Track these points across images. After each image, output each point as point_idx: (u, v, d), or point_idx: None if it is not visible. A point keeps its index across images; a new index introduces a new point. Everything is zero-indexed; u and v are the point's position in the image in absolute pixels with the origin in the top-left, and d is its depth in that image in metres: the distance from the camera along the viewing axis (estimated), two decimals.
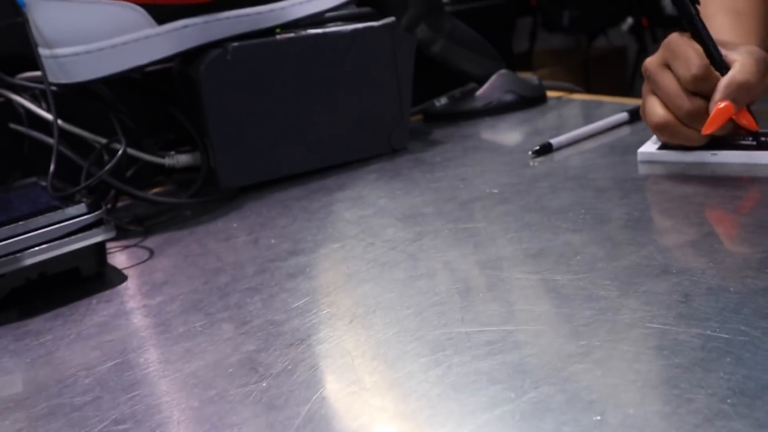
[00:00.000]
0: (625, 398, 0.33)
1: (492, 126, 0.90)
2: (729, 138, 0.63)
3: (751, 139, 0.62)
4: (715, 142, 0.62)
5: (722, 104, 0.59)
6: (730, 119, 0.60)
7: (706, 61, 0.60)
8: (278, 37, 0.75)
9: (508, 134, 0.87)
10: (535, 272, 0.47)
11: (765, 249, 0.45)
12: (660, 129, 0.63)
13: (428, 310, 0.44)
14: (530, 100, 0.95)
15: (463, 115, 0.94)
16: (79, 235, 0.56)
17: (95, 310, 0.52)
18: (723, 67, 0.60)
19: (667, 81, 0.61)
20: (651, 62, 0.63)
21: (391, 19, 0.80)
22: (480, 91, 0.94)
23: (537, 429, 0.32)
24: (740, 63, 0.60)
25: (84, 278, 0.57)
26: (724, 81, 0.59)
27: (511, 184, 0.64)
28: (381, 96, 0.80)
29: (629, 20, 2.80)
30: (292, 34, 0.76)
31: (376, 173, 0.75)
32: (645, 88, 0.65)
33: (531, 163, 0.70)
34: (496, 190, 0.63)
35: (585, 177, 0.65)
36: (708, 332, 0.37)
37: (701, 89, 0.60)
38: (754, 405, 0.31)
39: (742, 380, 0.33)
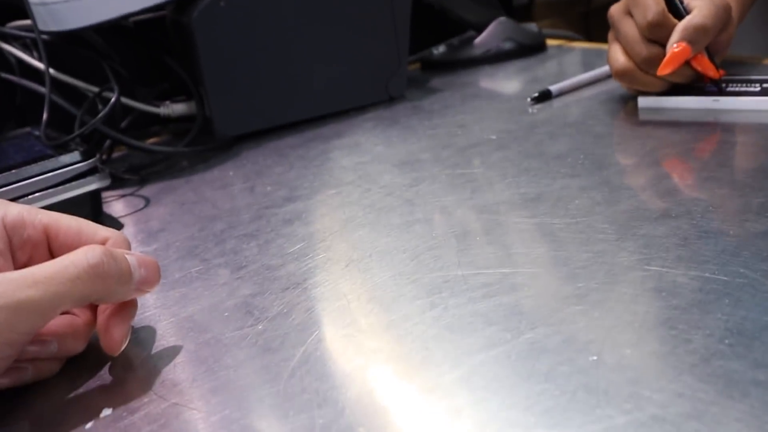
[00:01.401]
0: (622, 339, 0.33)
1: (490, 74, 0.88)
2: (693, 86, 0.63)
3: (714, 87, 0.62)
4: (679, 90, 0.63)
5: (677, 46, 0.59)
6: (690, 66, 0.61)
7: (662, 7, 0.60)
8: None
9: (507, 82, 0.86)
10: (532, 216, 0.46)
11: (765, 193, 0.45)
12: (620, 75, 0.64)
13: (425, 253, 0.44)
14: (529, 48, 0.94)
15: (462, 63, 0.93)
16: (74, 183, 0.56)
17: None
18: (682, 13, 0.60)
19: (627, 28, 0.62)
20: (615, 9, 0.64)
21: None
22: (478, 39, 0.93)
23: (532, 369, 0.32)
24: (699, 8, 0.60)
25: None
26: (680, 24, 0.59)
27: (509, 131, 0.64)
28: (378, 44, 0.79)
29: None
30: None
31: (373, 121, 0.74)
32: (610, 35, 0.65)
33: (530, 110, 0.70)
34: (494, 137, 0.63)
35: (584, 123, 0.65)
36: (707, 274, 0.37)
37: (657, 36, 0.60)
38: (752, 345, 0.31)
39: (740, 321, 0.33)
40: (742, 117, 0.59)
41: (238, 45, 0.72)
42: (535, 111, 0.69)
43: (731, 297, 0.35)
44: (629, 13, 0.62)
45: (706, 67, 0.61)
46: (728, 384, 0.29)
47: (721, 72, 0.63)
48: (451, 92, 0.81)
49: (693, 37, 0.59)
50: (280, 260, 0.46)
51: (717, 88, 0.62)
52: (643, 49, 0.61)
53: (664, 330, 0.33)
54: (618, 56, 0.63)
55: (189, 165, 0.70)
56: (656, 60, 0.60)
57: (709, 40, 0.60)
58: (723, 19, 0.61)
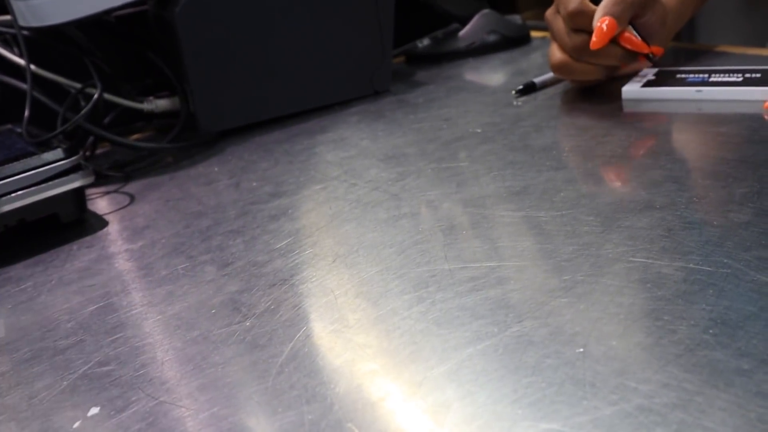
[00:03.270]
0: (608, 331, 0.33)
1: (475, 67, 0.88)
2: (676, 77, 0.64)
3: (652, 67, 0.66)
4: (662, 81, 0.64)
5: (601, 21, 0.61)
6: (620, 45, 0.63)
7: None
8: None
9: (492, 74, 0.86)
10: (518, 209, 0.47)
11: (748, 184, 0.45)
12: (557, 69, 0.67)
13: (411, 248, 0.44)
14: (514, 40, 0.94)
15: (446, 55, 0.93)
16: (57, 180, 0.55)
17: (76, 256, 0.52)
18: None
19: (558, 24, 0.65)
20: (549, 11, 0.67)
21: None
22: (463, 32, 0.93)
23: (520, 362, 0.32)
24: None
25: (64, 224, 0.56)
26: (601, 5, 0.62)
27: (494, 124, 0.64)
28: (362, 37, 0.79)
29: None
30: None
31: (358, 115, 0.74)
32: (549, 36, 0.68)
33: (514, 103, 0.70)
34: (479, 130, 0.63)
35: (569, 115, 0.65)
36: (691, 265, 0.37)
37: (580, 24, 0.63)
38: (735, 335, 0.31)
39: (723, 311, 0.33)
40: (724, 107, 0.59)
41: (221, 40, 0.72)
42: (519, 103, 0.69)
43: (715, 287, 0.35)
44: (558, 11, 0.65)
45: (635, 44, 0.64)
46: (713, 374, 0.29)
47: (658, 49, 0.65)
48: (435, 85, 0.81)
49: (613, 10, 0.61)
50: (267, 256, 0.46)
51: (653, 62, 0.66)
52: (570, 39, 0.64)
53: (649, 321, 0.33)
54: (554, 51, 0.66)
55: (173, 161, 0.70)
56: (583, 46, 0.63)
57: (631, 12, 0.62)
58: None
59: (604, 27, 0.61)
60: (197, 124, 0.73)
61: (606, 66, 0.66)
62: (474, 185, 0.52)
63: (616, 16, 0.61)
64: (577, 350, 0.32)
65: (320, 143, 0.67)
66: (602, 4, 0.62)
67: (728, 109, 0.59)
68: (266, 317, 0.39)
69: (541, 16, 1.23)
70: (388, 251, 0.44)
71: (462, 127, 0.64)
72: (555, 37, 0.66)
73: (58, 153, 0.55)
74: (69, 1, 0.66)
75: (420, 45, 0.95)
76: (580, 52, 0.64)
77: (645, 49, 0.64)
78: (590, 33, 0.62)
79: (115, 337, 0.40)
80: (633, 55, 0.65)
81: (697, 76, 0.64)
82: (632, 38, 0.63)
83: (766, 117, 0.56)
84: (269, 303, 0.41)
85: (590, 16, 0.62)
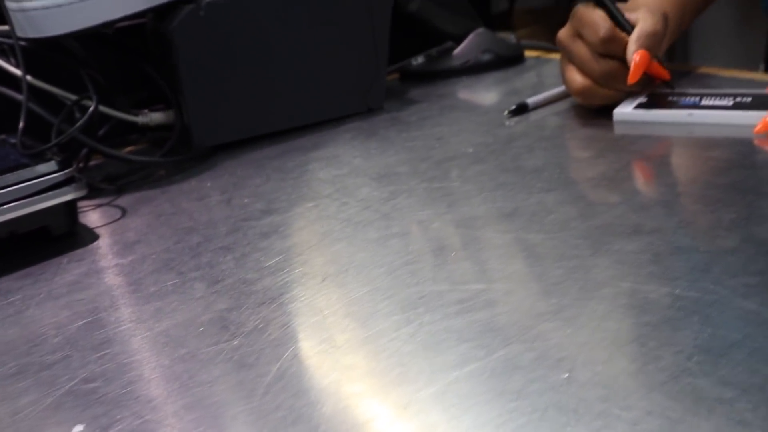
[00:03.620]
0: (594, 356, 0.33)
1: (469, 85, 0.89)
2: (667, 99, 0.66)
3: (666, 87, 0.67)
4: (654, 103, 0.65)
5: (638, 55, 0.62)
6: (645, 72, 0.64)
7: (611, 23, 0.64)
8: None
9: (485, 94, 0.87)
10: (508, 231, 0.47)
11: (737, 209, 0.45)
12: (579, 94, 0.67)
13: (401, 269, 0.44)
14: (508, 60, 0.95)
15: (440, 74, 0.93)
16: (50, 193, 0.55)
17: (66, 269, 0.52)
18: (627, 27, 0.64)
19: (579, 49, 0.65)
20: (563, 34, 0.67)
21: None
22: (457, 50, 0.93)
23: (505, 386, 0.32)
24: (643, 19, 0.64)
25: (55, 237, 0.56)
26: (634, 35, 0.63)
27: (487, 144, 0.64)
28: (357, 55, 0.79)
29: None
30: None
31: (351, 132, 0.74)
32: (562, 58, 0.69)
33: (507, 123, 0.70)
34: (471, 150, 0.63)
35: (560, 137, 0.65)
36: (677, 291, 0.37)
37: (610, 50, 0.64)
38: (719, 363, 0.31)
39: (708, 339, 0.33)
40: (715, 131, 0.60)
41: (217, 55, 0.72)
42: (512, 124, 0.70)
43: (701, 314, 0.35)
44: (577, 35, 0.66)
45: (659, 71, 0.66)
46: (696, 401, 0.29)
47: (668, 72, 0.67)
48: (429, 104, 0.81)
49: (649, 43, 0.63)
50: (257, 274, 0.46)
51: (670, 87, 0.67)
52: (598, 66, 0.64)
53: (635, 347, 0.34)
54: (575, 77, 0.66)
55: (166, 175, 0.70)
56: (612, 73, 0.64)
57: (661, 44, 0.65)
58: (665, 26, 0.65)
59: (638, 59, 0.62)
60: (191, 138, 0.73)
61: (628, 91, 0.67)
62: (465, 206, 0.52)
63: (650, 49, 0.63)
64: (562, 375, 0.32)
65: (313, 160, 0.68)
66: (636, 36, 0.63)
67: (719, 132, 0.60)
68: (254, 336, 0.39)
69: (535, 35, 1.23)
70: (377, 271, 0.44)
71: (454, 147, 0.65)
72: (575, 62, 0.66)
73: (51, 165, 0.55)
74: (67, 13, 0.66)
75: (414, 63, 0.95)
76: (608, 79, 0.65)
77: (667, 77, 0.66)
78: (620, 59, 0.64)
79: (102, 353, 0.40)
80: (653, 80, 0.67)
81: (688, 99, 0.64)
82: (660, 68, 0.66)
83: (756, 142, 0.56)
84: (258, 322, 0.41)
85: (621, 43, 0.63)
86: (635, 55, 0.62)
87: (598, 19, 0.64)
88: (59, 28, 0.66)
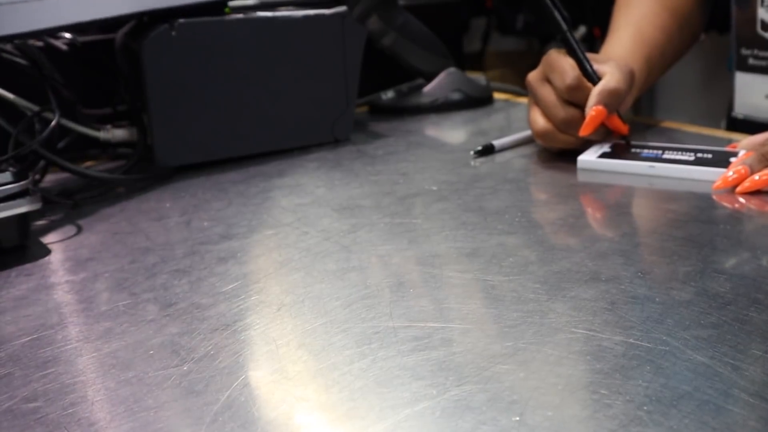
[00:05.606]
0: (545, 401, 0.33)
1: (437, 123, 0.90)
2: (630, 151, 0.67)
3: (622, 140, 0.69)
4: (617, 154, 0.67)
5: (594, 110, 0.65)
6: (603, 125, 0.67)
7: (578, 72, 0.66)
8: (227, 17, 0.73)
9: (452, 132, 0.88)
10: (467, 271, 0.47)
11: (692, 262, 0.46)
12: (540, 136, 0.69)
13: (357, 302, 0.44)
14: (477, 100, 0.96)
15: (409, 110, 0.94)
16: (2, 204, 0.54)
17: (13, 284, 0.50)
18: (594, 78, 0.67)
19: (545, 93, 0.67)
20: (532, 76, 0.69)
21: (342, 9, 0.79)
22: (427, 88, 0.94)
23: (456, 427, 0.32)
24: (610, 74, 0.66)
25: (4, 250, 0.55)
26: (596, 89, 0.65)
27: (451, 183, 0.64)
28: (327, 85, 0.79)
29: (582, 29, 2.84)
30: (241, 15, 0.74)
31: (316, 162, 0.74)
32: (529, 99, 0.71)
33: (472, 163, 0.71)
34: (435, 188, 0.63)
35: (524, 180, 0.66)
36: (631, 340, 0.38)
37: (575, 98, 0.66)
38: (669, 413, 0.32)
39: (659, 389, 0.33)
40: (675, 184, 0.61)
41: (186, 75, 0.72)
42: (477, 164, 0.70)
43: (653, 364, 0.35)
44: (546, 80, 0.68)
45: (616, 125, 0.68)
46: None
47: (626, 126, 0.69)
48: (396, 138, 0.82)
49: (608, 100, 0.65)
50: (212, 299, 0.46)
51: (625, 141, 0.69)
52: (561, 112, 0.66)
53: (586, 394, 0.34)
54: (538, 119, 0.68)
55: (125, 193, 0.69)
56: (573, 121, 0.66)
57: (621, 102, 0.67)
58: (630, 83, 0.68)
59: (593, 114, 0.65)
60: (154, 157, 0.73)
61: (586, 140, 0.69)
62: (425, 243, 0.52)
63: (608, 106, 0.65)
64: (513, 418, 0.32)
65: (276, 187, 0.67)
66: (598, 92, 0.65)
67: (679, 186, 0.61)
68: (205, 362, 0.38)
69: (506, 78, 1.25)
70: (334, 304, 0.44)
71: (418, 183, 0.65)
72: (540, 104, 0.68)
73: (6, 176, 0.54)
74: (30, 12, 0.65)
75: (384, 97, 0.96)
76: (568, 126, 0.66)
77: (625, 131, 0.69)
78: (582, 107, 0.66)
79: (46, 372, 0.39)
80: (611, 133, 0.69)
81: (651, 151, 0.66)
82: (616, 120, 0.68)
83: (714, 197, 0.58)
84: (209, 348, 0.40)
85: (586, 92, 0.65)
86: (592, 110, 0.64)
87: (566, 66, 0.66)
88: (20, 26, 0.65)
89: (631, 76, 0.68)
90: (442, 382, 0.35)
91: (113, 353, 0.40)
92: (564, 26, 0.69)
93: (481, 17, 2.91)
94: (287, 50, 0.76)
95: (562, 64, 0.66)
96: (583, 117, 0.65)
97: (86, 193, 0.69)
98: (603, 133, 0.68)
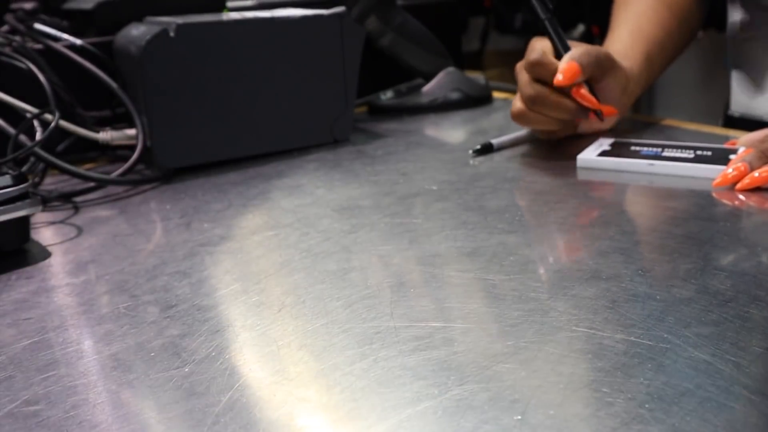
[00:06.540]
0: (547, 399, 0.33)
1: (436, 123, 0.90)
2: (630, 149, 0.67)
3: (603, 129, 0.72)
4: (616, 152, 0.67)
5: (570, 64, 0.66)
6: (572, 99, 0.67)
7: (543, 50, 0.68)
8: (225, 18, 0.73)
9: (452, 132, 0.88)
10: (467, 270, 0.47)
11: (692, 260, 0.46)
12: (515, 117, 0.71)
13: (358, 303, 0.44)
14: (476, 100, 0.96)
15: (408, 110, 0.94)
16: (3, 208, 0.54)
17: (14, 287, 0.50)
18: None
19: (522, 75, 0.70)
20: (518, 63, 0.71)
21: (341, 9, 0.79)
22: (426, 87, 0.94)
23: (458, 426, 0.32)
24: (577, 46, 0.68)
25: (5, 253, 0.55)
26: (567, 55, 0.67)
27: (451, 182, 0.64)
28: (326, 85, 0.79)
29: (581, 27, 2.84)
30: (239, 16, 0.74)
31: (316, 163, 0.74)
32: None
33: (472, 162, 0.71)
34: (435, 187, 0.63)
35: (524, 179, 0.66)
36: (632, 338, 0.38)
37: (539, 74, 0.68)
38: (670, 411, 0.32)
39: (661, 386, 0.33)
40: (675, 182, 0.61)
41: (185, 77, 0.72)
42: (476, 163, 0.70)
43: (654, 362, 0.35)
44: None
45: (586, 99, 0.68)
46: None
47: (609, 109, 0.69)
48: (395, 138, 0.82)
49: (581, 59, 0.66)
50: (212, 301, 0.46)
51: (599, 117, 0.69)
52: (529, 89, 0.68)
53: (588, 392, 0.34)
54: (516, 101, 0.70)
55: (125, 195, 0.69)
56: (539, 97, 0.67)
57: (595, 68, 0.68)
58: (597, 57, 0.68)
59: (566, 66, 0.66)
60: (153, 159, 0.72)
61: (560, 119, 0.70)
62: (426, 243, 0.52)
63: (582, 64, 0.66)
64: (515, 417, 0.32)
65: (276, 188, 0.67)
66: (572, 50, 0.67)
67: (678, 184, 0.61)
68: (206, 364, 0.38)
69: (504, 77, 1.25)
70: (334, 304, 0.44)
71: (418, 183, 0.65)
72: (518, 87, 0.70)
73: (6, 179, 0.54)
74: None
75: (383, 97, 0.96)
76: (534, 102, 0.68)
77: (596, 106, 0.68)
78: (548, 84, 0.67)
79: (47, 375, 0.39)
80: (584, 111, 0.69)
81: (650, 149, 0.66)
82: (585, 94, 0.68)
83: (714, 194, 0.58)
84: (210, 350, 0.40)
85: (549, 68, 0.67)
86: (564, 64, 0.66)
87: (536, 45, 0.68)
88: None
89: (603, 54, 0.69)
90: (443, 382, 0.35)
91: (114, 355, 0.40)
92: (542, 14, 0.70)
93: (480, 16, 2.91)
94: (286, 51, 0.76)
95: (532, 45, 0.69)
96: (548, 94, 0.67)
97: (86, 195, 0.69)
98: (578, 112, 0.68)
